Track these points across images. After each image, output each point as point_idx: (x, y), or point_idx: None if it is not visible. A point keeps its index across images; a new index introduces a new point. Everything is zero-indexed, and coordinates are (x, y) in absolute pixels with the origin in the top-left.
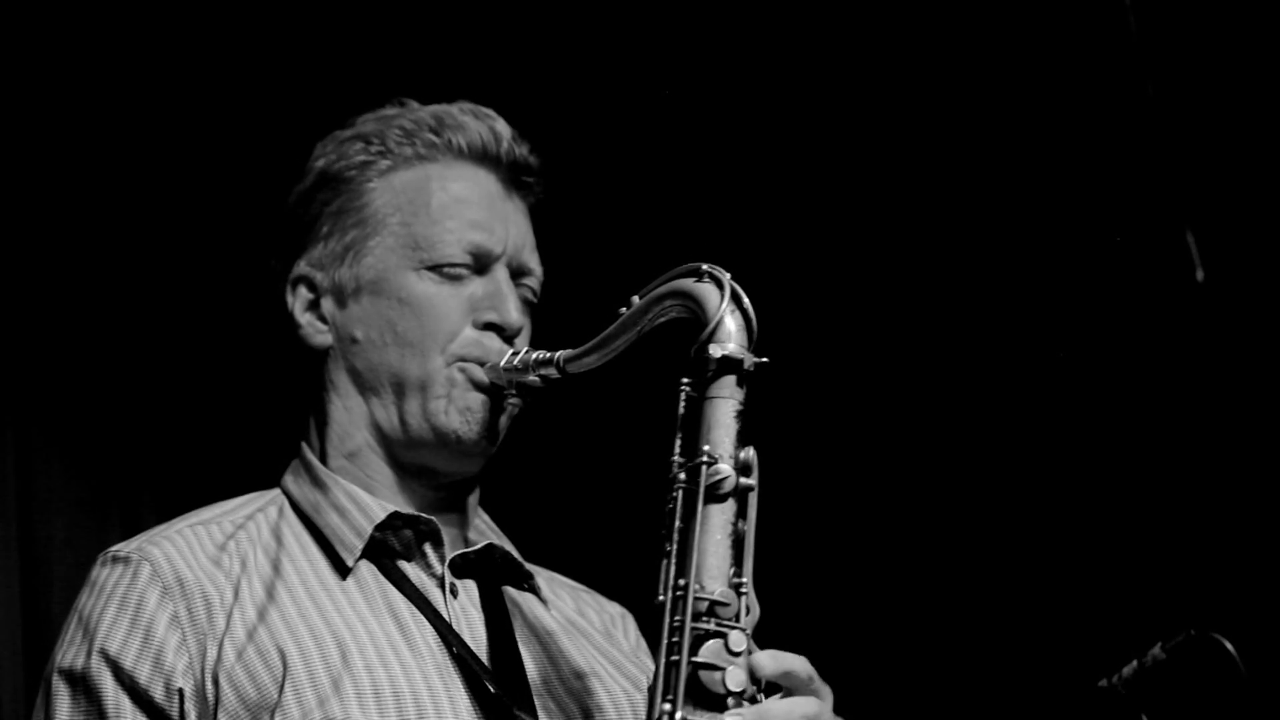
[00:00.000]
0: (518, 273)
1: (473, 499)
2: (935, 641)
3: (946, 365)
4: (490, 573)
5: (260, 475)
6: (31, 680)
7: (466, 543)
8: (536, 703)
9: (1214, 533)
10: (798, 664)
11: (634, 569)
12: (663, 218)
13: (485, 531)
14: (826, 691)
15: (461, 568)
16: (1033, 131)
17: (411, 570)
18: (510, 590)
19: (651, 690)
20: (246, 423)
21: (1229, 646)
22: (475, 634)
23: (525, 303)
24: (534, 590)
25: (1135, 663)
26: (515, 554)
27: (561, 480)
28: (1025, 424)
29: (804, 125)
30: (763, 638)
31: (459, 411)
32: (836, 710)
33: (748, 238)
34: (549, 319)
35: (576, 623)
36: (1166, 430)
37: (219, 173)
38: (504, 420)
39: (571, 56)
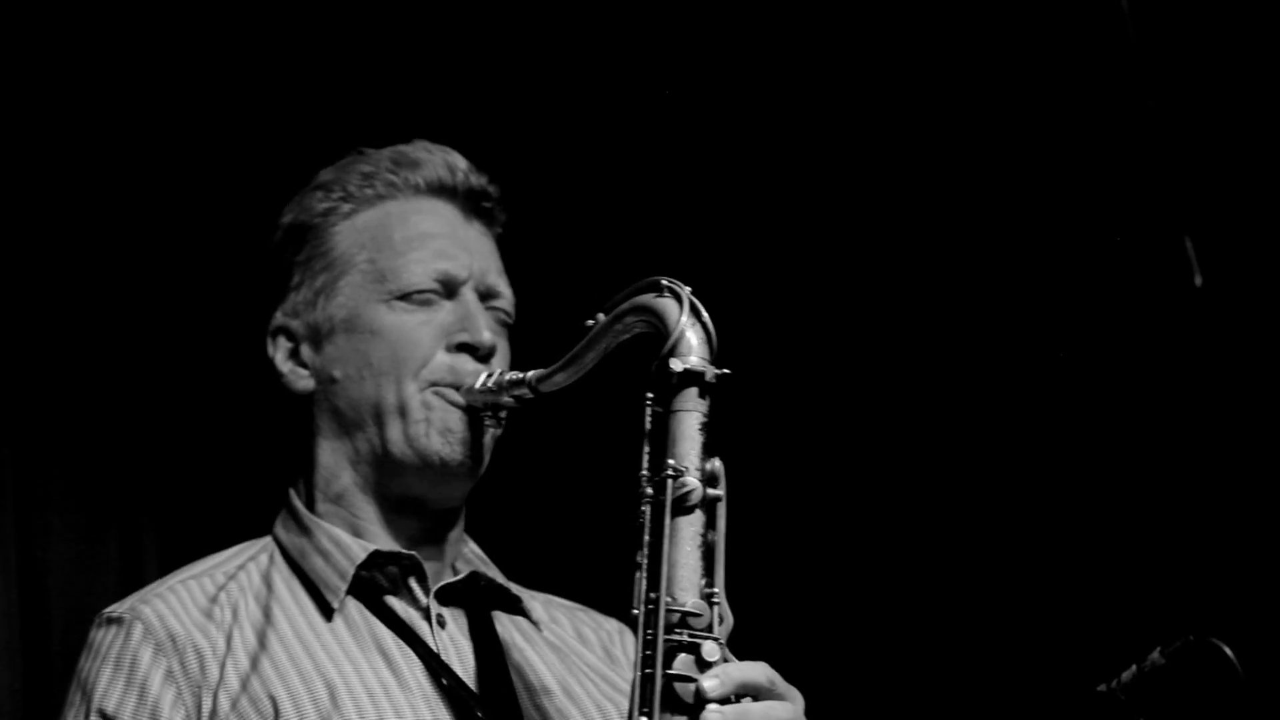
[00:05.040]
0: (486, 295)
1: (457, 531)
2: (933, 647)
3: (937, 368)
4: (477, 601)
5: (262, 500)
6: (31, 700)
7: (454, 573)
8: None
9: (1213, 537)
10: (753, 673)
11: (611, 584)
12: (626, 233)
13: (473, 560)
14: (795, 694)
15: (448, 597)
16: (1032, 137)
17: (398, 605)
18: (502, 616)
19: (629, 704)
20: (247, 447)
21: (1228, 652)
22: (465, 663)
23: (500, 325)
24: (525, 614)
25: (1134, 668)
26: (502, 580)
27: (536, 498)
28: (1023, 428)
29: (787, 131)
30: (739, 646)
31: (439, 433)
32: (815, 716)
33: (716, 247)
34: (528, 341)
35: (572, 644)
36: (1165, 434)
37: (222, 194)
38: (486, 441)
39: (528, 79)
